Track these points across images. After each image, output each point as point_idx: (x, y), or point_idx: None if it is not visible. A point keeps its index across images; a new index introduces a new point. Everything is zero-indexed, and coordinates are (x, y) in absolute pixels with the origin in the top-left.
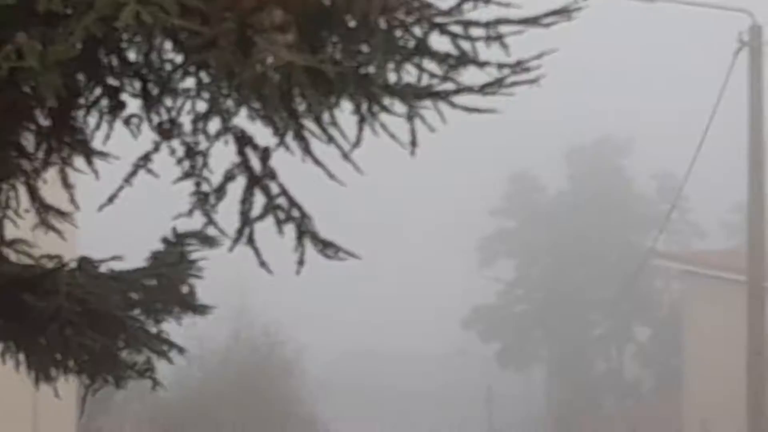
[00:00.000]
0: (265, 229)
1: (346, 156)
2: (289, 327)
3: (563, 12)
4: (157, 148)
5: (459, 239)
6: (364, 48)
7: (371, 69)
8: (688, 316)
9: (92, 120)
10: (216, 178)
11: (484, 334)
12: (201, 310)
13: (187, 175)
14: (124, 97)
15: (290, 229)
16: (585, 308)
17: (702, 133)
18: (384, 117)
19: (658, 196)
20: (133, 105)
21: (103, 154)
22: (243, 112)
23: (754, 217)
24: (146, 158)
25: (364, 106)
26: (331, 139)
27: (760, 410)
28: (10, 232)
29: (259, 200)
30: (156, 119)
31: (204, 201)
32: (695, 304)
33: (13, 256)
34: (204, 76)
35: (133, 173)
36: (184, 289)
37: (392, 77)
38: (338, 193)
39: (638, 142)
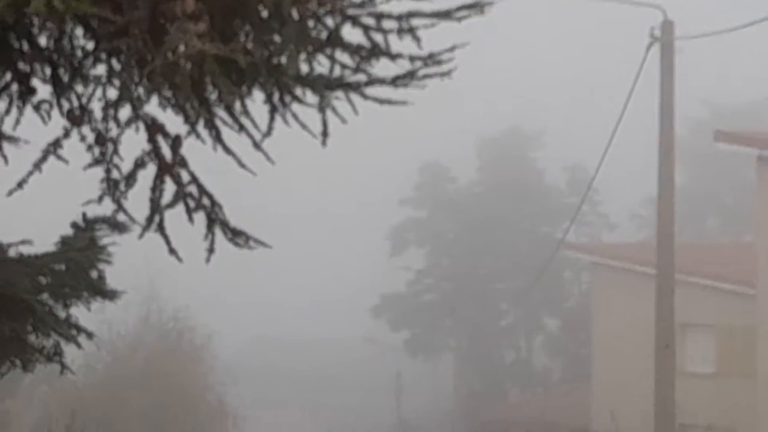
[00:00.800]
0: (175, 216)
1: (257, 145)
2: (199, 313)
3: (476, 6)
4: (67, 134)
5: (369, 229)
6: (276, 38)
7: (283, 59)
8: (598, 307)
9: (2, 105)
10: (126, 166)
11: (394, 323)
12: (110, 295)
13: (97, 162)
14: (35, 82)
15: (200, 218)
16: (494, 298)
17: (613, 126)
18: (295, 107)
19: (569, 189)
20: (43, 91)
21: (13, 139)
22: (154, 99)
23: (664, 210)
24: (56, 144)
25: (276, 96)
26: (242, 128)
27: (668, 402)
28: None
29: (169, 188)
30: (66, 105)
31: (114, 188)
32: (605, 295)
33: None
34: (115, 64)
35: (43, 159)
36: (93, 274)
37: (304, 68)
38: (249, 182)
39: (549, 134)
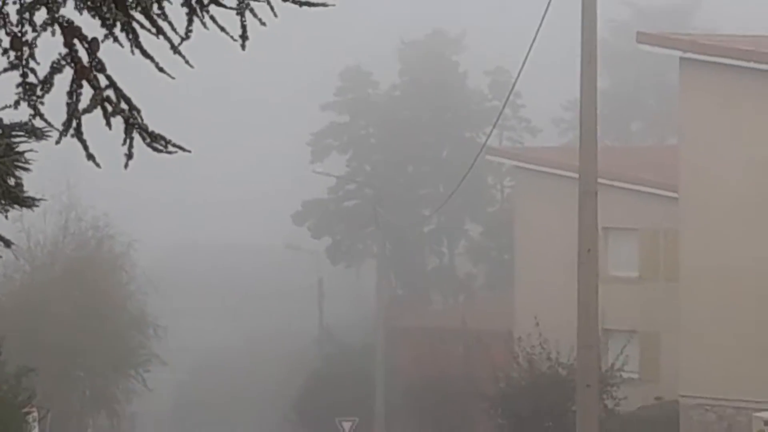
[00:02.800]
0: (92, 121)
1: (175, 49)
2: (119, 220)
3: None
4: None
5: (290, 134)
6: None
7: None
8: (521, 212)
9: None
10: (43, 70)
11: (316, 229)
12: (28, 202)
13: (12, 66)
14: None
15: (118, 122)
16: (417, 204)
17: (535, 29)
18: (214, 10)
19: (492, 92)
20: None
21: None
22: (70, 2)
23: (586, 113)
24: None
25: None
26: (160, 32)
27: (591, 306)
28: None
29: (86, 92)
30: None
31: (30, 92)
32: (527, 200)
33: None
34: None
35: None
36: (11, 182)
37: None
38: (167, 86)
39: (471, 37)
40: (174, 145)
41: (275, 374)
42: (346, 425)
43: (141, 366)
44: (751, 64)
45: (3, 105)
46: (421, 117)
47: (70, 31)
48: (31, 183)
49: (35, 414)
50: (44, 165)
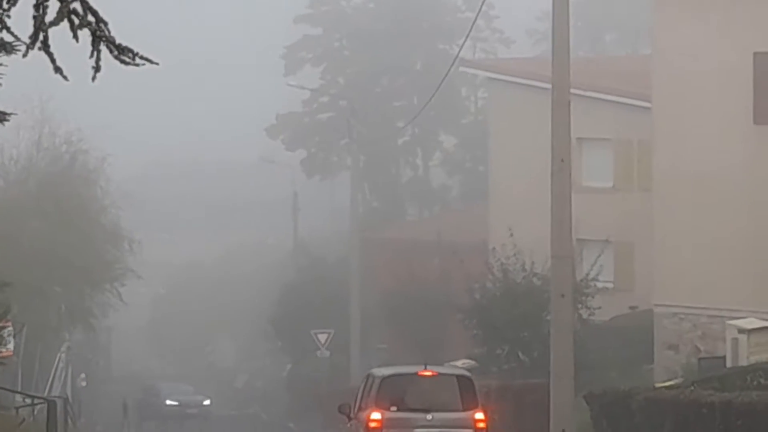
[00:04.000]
0: (61, 34)
1: None
2: (92, 136)
3: None
4: None
5: (264, 48)
6: None
7: None
8: (494, 123)
9: None
10: None
11: (290, 143)
12: None
13: None
14: None
15: (86, 35)
16: (391, 116)
17: None
18: None
19: (465, 4)
20: None
21: None
22: None
23: (559, 24)
24: None
25: None
26: None
27: (565, 216)
28: None
29: (53, 5)
30: None
31: None
32: (501, 111)
33: None
34: None
35: None
36: None
37: None
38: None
39: None
40: (142, 58)
41: (250, 287)
42: (322, 337)
43: (116, 280)
44: None
45: None
46: (394, 29)
47: None
48: (2, 98)
49: (10, 329)
50: (16, 80)
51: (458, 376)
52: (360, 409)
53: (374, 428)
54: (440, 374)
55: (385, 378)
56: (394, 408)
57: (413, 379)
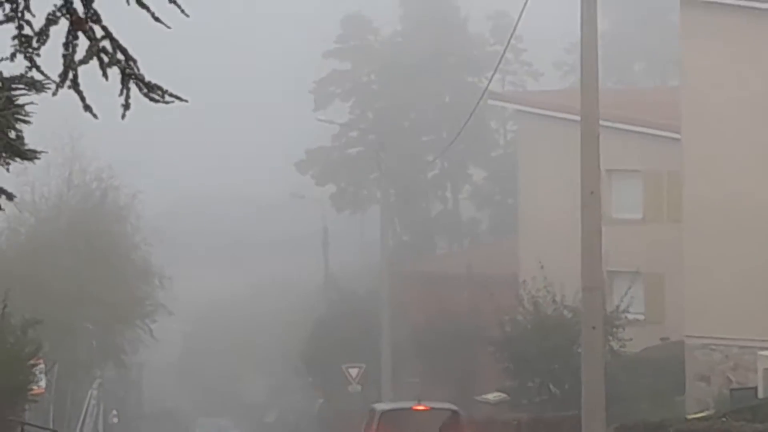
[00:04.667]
0: (91, 72)
1: None
2: (122, 173)
3: None
4: None
5: (293, 83)
6: None
7: None
8: (524, 156)
9: None
10: (38, 22)
11: (319, 177)
12: (29, 155)
13: (8, 18)
14: None
15: (115, 73)
16: (420, 150)
17: None
18: None
19: (493, 37)
20: None
21: None
22: None
23: (587, 56)
24: None
25: None
26: None
27: (595, 248)
28: None
29: (83, 44)
30: None
31: (27, 44)
32: (530, 144)
33: None
34: None
35: None
36: (12, 135)
37: None
38: (164, 37)
39: None
40: (171, 95)
41: (281, 323)
42: (353, 371)
43: (147, 316)
44: (752, 3)
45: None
46: (422, 63)
47: None
48: (32, 136)
49: (42, 366)
50: (46, 118)
51: (446, 411)
52: None
53: None
54: (432, 408)
55: (385, 412)
56: None
57: (409, 413)
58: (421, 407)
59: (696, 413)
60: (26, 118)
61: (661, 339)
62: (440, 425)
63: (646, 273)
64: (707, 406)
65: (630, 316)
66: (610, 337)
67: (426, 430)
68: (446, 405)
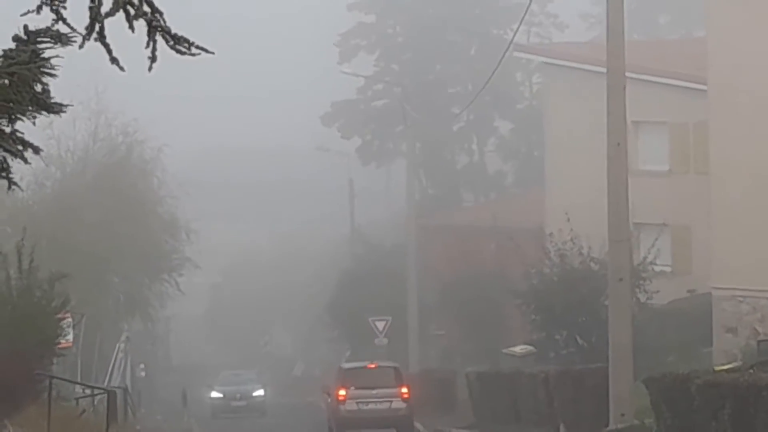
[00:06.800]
0: (117, 25)
1: None
2: (148, 126)
3: None
4: None
5: (317, 35)
6: None
7: None
8: (550, 108)
9: None
10: None
11: (345, 130)
12: (55, 108)
13: None
14: None
15: (141, 25)
16: (446, 102)
17: None
18: None
19: None
20: None
21: None
22: None
23: (613, 7)
24: None
25: None
26: None
27: (622, 200)
28: None
29: None
30: None
31: None
32: (556, 96)
33: None
34: None
35: None
36: (38, 88)
37: None
38: None
39: None
40: (198, 47)
41: (307, 275)
42: (380, 324)
43: (174, 270)
44: None
45: (26, 11)
46: (448, 15)
47: None
48: (58, 89)
49: (69, 320)
50: (72, 71)
51: (390, 367)
52: (334, 389)
53: (341, 400)
54: (379, 366)
55: (347, 369)
56: (353, 387)
57: (364, 369)
58: (372, 365)
59: (723, 365)
60: (52, 72)
61: (688, 291)
62: (385, 376)
63: (672, 225)
64: (735, 357)
65: (657, 268)
66: (637, 290)
67: (374, 381)
68: (390, 363)
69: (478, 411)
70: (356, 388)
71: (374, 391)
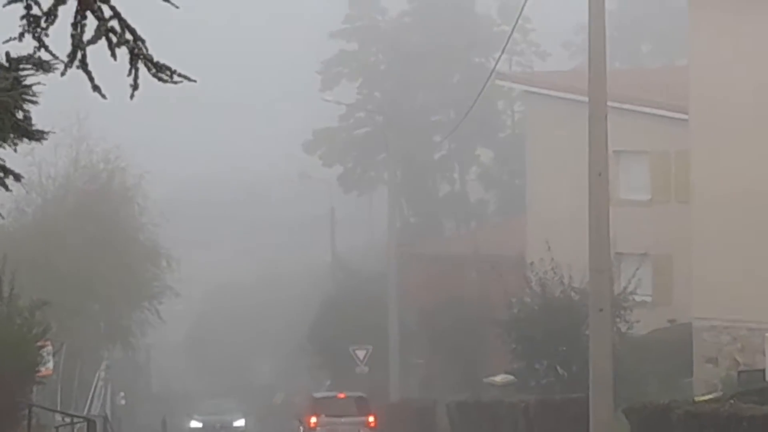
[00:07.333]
0: (99, 53)
1: None
2: (130, 153)
3: None
4: None
5: (300, 63)
6: None
7: None
8: (531, 137)
9: None
10: (47, 1)
11: (327, 158)
12: (37, 135)
13: None
14: None
15: (124, 53)
16: (428, 130)
17: None
18: None
19: (500, 17)
20: None
21: None
22: None
23: (595, 36)
24: None
25: None
26: None
27: (603, 230)
28: None
29: (91, 23)
30: None
31: (35, 24)
32: (538, 125)
33: None
34: None
35: None
36: (20, 115)
37: None
38: (172, 17)
39: None
40: (180, 75)
41: (288, 303)
42: (360, 353)
43: (155, 298)
44: None
45: (8, 38)
46: (430, 43)
47: None
48: (40, 116)
49: (50, 348)
50: (54, 98)
51: (358, 397)
52: (305, 416)
53: (312, 427)
54: (348, 396)
55: (318, 398)
56: (323, 415)
57: (334, 399)
58: (341, 395)
59: (704, 395)
60: (34, 99)
61: (669, 321)
62: (353, 405)
63: (654, 254)
64: (715, 388)
65: (638, 298)
66: (618, 319)
67: (343, 409)
68: (358, 393)
69: None
70: (327, 416)
71: (343, 419)
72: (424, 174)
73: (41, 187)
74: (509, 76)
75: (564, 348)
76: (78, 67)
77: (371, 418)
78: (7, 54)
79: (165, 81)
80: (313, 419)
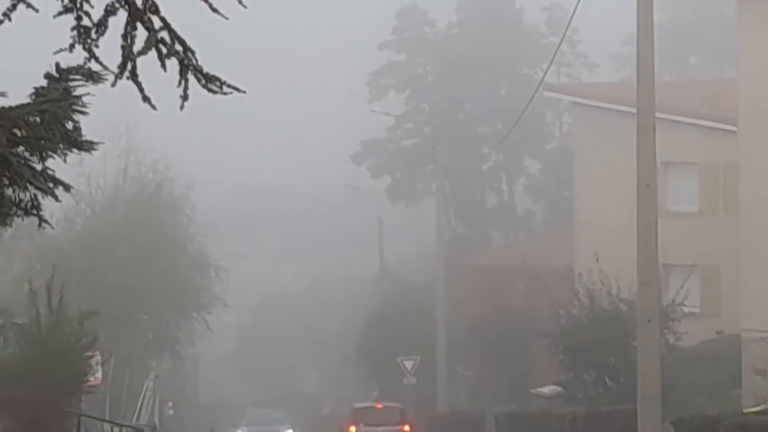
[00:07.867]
0: (149, 63)
1: None
2: (178, 163)
3: None
4: None
5: (348, 74)
6: None
7: None
8: (579, 148)
9: None
10: (97, 13)
11: (375, 169)
12: (86, 146)
13: (67, 9)
14: None
15: (174, 64)
16: (475, 141)
17: None
18: None
19: (548, 29)
20: None
21: None
22: None
23: (643, 47)
24: None
25: None
26: None
27: (651, 241)
28: None
29: (141, 35)
30: None
31: (85, 36)
32: (586, 136)
33: None
34: None
35: (13, 7)
36: (69, 126)
37: None
38: (221, 28)
39: None
40: (229, 86)
41: (336, 315)
42: (408, 364)
43: (203, 308)
44: None
45: (58, 48)
46: (478, 54)
47: None
48: (89, 127)
49: (98, 357)
50: (103, 109)
51: (395, 407)
52: (345, 425)
53: None
54: (386, 406)
55: (357, 408)
56: (362, 424)
57: (372, 409)
58: (379, 406)
59: (752, 407)
60: (83, 109)
61: (717, 332)
62: (390, 415)
63: (702, 266)
64: (763, 400)
65: (686, 310)
66: (666, 331)
67: (381, 419)
68: (396, 404)
69: None
70: (365, 425)
71: (380, 429)
72: (471, 185)
73: (90, 197)
74: (557, 88)
75: (612, 359)
76: (128, 78)
77: (407, 427)
78: (57, 65)
79: (215, 92)
80: (353, 428)
